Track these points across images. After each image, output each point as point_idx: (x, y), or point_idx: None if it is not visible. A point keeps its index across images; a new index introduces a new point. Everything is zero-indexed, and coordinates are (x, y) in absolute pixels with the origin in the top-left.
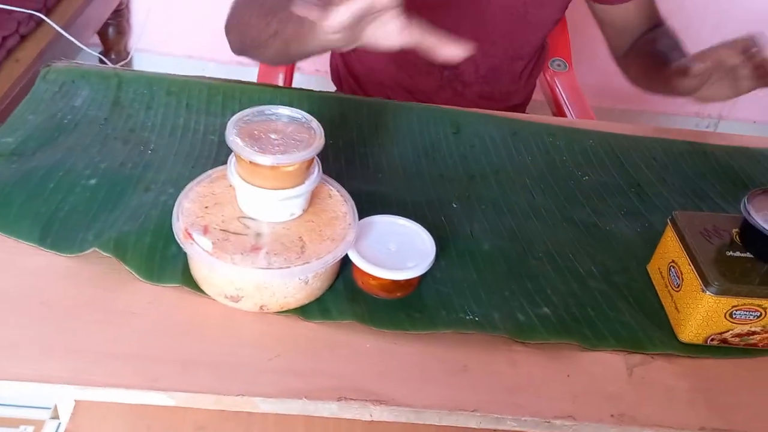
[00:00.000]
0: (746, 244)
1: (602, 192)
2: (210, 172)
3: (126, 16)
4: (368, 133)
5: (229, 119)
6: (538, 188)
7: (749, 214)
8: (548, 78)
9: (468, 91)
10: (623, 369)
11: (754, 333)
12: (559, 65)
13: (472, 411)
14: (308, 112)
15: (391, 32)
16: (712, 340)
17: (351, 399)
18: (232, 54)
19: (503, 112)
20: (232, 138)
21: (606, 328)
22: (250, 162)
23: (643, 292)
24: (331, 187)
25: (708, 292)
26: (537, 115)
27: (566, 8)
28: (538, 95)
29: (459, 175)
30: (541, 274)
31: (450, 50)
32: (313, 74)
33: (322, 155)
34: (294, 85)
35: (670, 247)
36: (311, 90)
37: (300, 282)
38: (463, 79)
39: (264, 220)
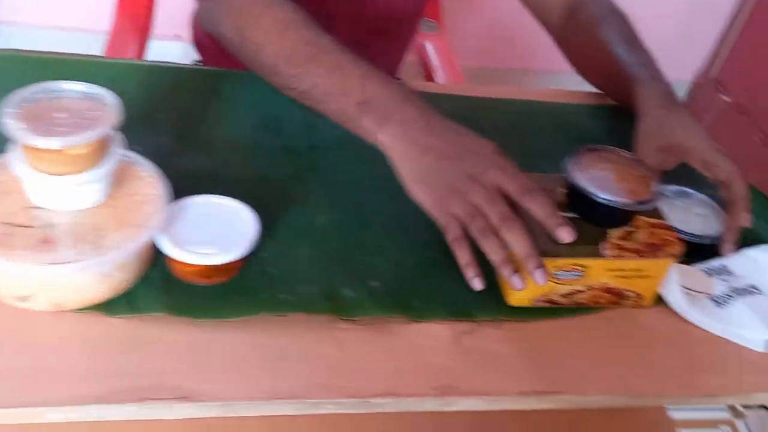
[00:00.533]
0: (570, 205)
1: None
2: None
3: None
4: (204, 105)
5: None
6: (382, 158)
7: (571, 173)
8: (419, 40)
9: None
10: (450, 339)
11: (578, 292)
12: (429, 26)
13: (289, 399)
14: (136, 85)
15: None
16: (538, 301)
17: (154, 399)
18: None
19: None
20: (6, 120)
21: (436, 298)
22: (30, 146)
23: (481, 258)
24: (142, 168)
25: None
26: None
27: None
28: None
29: (301, 146)
30: (376, 247)
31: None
32: (172, 40)
33: (146, 130)
34: (152, 51)
35: None
36: (141, 63)
37: (100, 275)
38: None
39: (56, 209)
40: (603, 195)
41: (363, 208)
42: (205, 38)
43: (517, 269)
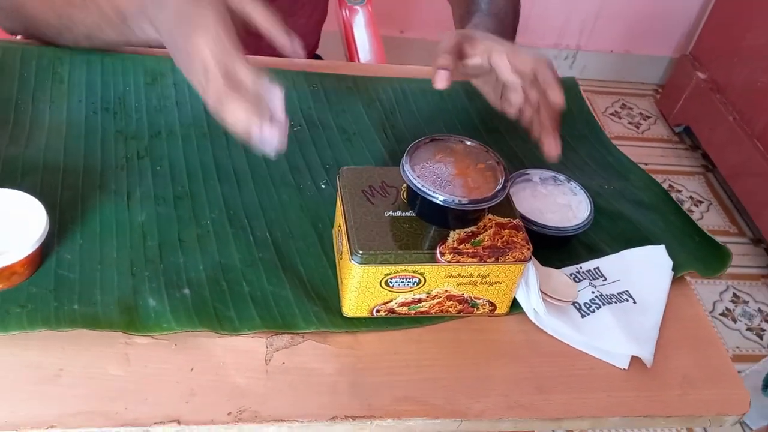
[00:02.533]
0: (410, 203)
1: (312, 144)
2: None
3: None
4: (36, 86)
5: None
6: (234, 144)
7: (406, 169)
8: (344, 14)
9: None
10: (261, 355)
11: (421, 300)
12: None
13: (48, 428)
14: None
15: None
16: (378, 311)
17: None
18: None
19: None
20: None
21: (255, 307)
22: None
23: (319, 260)
24: None
25: (353, 261)
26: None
27: None
28: (334, 26)
29: (141, 132)
30: (199, 245)
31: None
32: None
33: None
34: None
35: (338, 209)
36: None
37: None
38: None
39: None
40: (437, 194)
41: (195, 201)
42: None
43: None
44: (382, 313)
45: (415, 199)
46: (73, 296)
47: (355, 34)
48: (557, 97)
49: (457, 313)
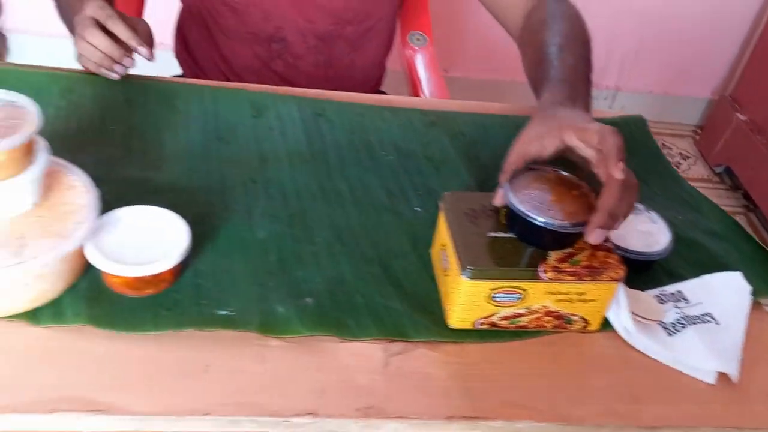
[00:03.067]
0: (509, 225)
1: (402, 172)
2: None
3: None
4: (157, 117)
5: None
6: (334, 170)
7: (508, 194)
8: (407, 53)
9: (301, 63)
10: (381, 359)
11: (520, 315)
12: (418, 39)
13: (204, 415)
14: (91, 96)
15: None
16: (481, 324)
17: (65, 410)
18: None
19: (311, 90)
20: None
21: (370, 317)
22: None
23: (421, 276)
24: (74, 178)
25: (463, 276)
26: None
27: None
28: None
29: (251, 158)
30: (314, 261)
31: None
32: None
33: (96, 141)
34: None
35: (441, 230)
36: (97, 75)
37: (18, 284)
38: (293, 51)
39: None
40: (539, 218)
41: (306, 220)
42: (184, 52)
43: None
44: (485, 326)
45: (516, 221)
46: (212, 302)
47: (419, 73)
48: (615, 170)
49: (553, 328)
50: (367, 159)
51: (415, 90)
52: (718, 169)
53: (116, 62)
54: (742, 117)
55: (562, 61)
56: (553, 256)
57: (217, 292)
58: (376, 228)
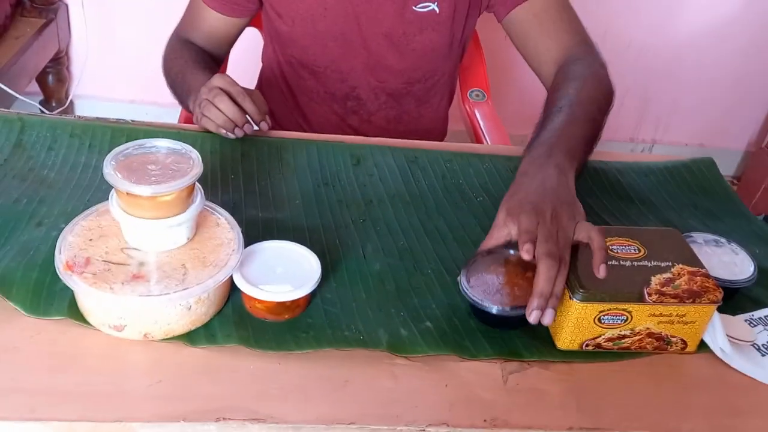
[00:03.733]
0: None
1: (495, 212)
2: (98, 206)
3: (65, 64)
4: (270, 167)
5: None
6: (432, 210)
7: (463, 281)
8: (467, 108)
9: (374, 118)
10: (499, 376)
11: (624, 336)
12: (477, 95)
13: (350, 424)
14: (210, 150)
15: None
16: (587, 345)
17: (230, 419)
18: (171, 97)
19: (402, 140)
20: (108, 171)
21: (485, 339)
22: (128, 193)
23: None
24: (219, 216)
25: (574, 299)
26: (443, 142)
27: (456, 35)
28: (459, 125)
29: (357, 201)
30: (427, 289)
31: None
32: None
33: (221, 187)
34: None
35: None
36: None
37: (182, 308)
38: (367, 107)
39: (147, 249)
40: (483, 302)
41: (414, 254)
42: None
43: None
44: (590, 348)
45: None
46: (341, 325)
47: (481, 125)
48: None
49: (653, 349)
50: (461, 201)
51: (479, 142)
52: (759, 218)
53: (236, 126)
54: None
55: (552, 122)
56: (655, 280)
57: (344, 317)
58: None
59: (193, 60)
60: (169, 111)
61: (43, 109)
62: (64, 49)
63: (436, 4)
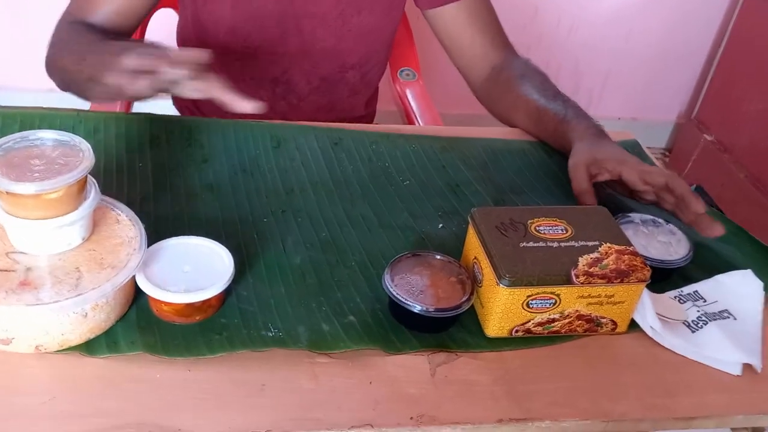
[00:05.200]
0: (391, 311)
1: (422, 195)
2: None
3: None
4: (181, 153)
5: None
6: (357, 197)
7: (386, 281)
8: (398, 88)
9: (303, 104)
10: (426, 370)
11: (554, 320)
12: (408, 75)
13: None
14: (116, 135)
15: (188, 91)
16: (516, 331)
17: None
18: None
19: (326, 123)
20: None
21: (410, 331)
22: (7, 192)
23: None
24: (120, 212)
25: (501, 285)
26: (370, 124)
27: (394, 19)
28: (389, 105)
29: (277, 189)
30: (351, 282)
31: (242, 105)
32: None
33: (127, 177)
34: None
35: (472, 244)
36: (120, 113)
37: (77, 316)
38: (297, 92)
39: (36, 253)
40: (407, 302)
41: (337, 246)
42: (181, 99)
43: None
44: (520, 334)
45: (392, 305)
46: (258, 324)
47: (412, 105)
48: (698, 206)
49: (584, 332)
50: (387, 185)
51: (410, 122)
52: (691, 188)
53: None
54: (708, 138)
55: (565, 104)
56: (583, 261)
57: (261, 315)
58: (404, 248)
59: (93, 34)
60: (48, 96)
61: None
62: None
63: None
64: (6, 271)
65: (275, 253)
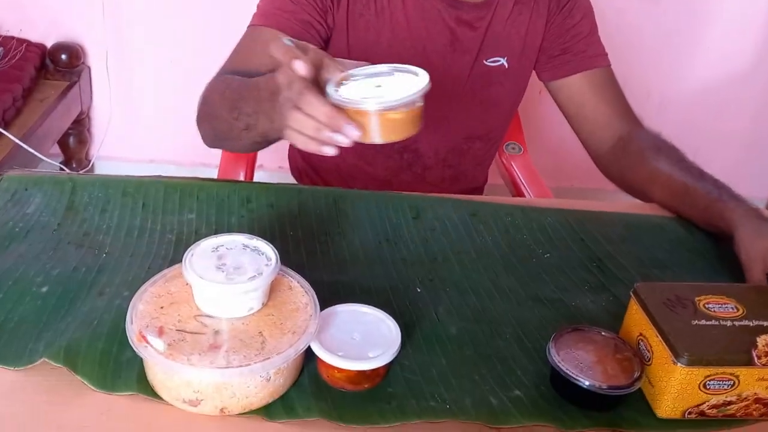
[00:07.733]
0: (554, 384)
1: (564, 268)
2: (165, 271)
3: (87, 125)
4: (328, 222)
5: (186, 216)
6: (500, 267)
7: (552, 353)
8: (504, 161)
9: (428, 174)
10: None
11: (730, 403)
12: (513, 148)
13: None
14: (266, 205)
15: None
16: (689, 413)
17: None
18: (193, 156)
19: (460, 195)
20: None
21: (579, 409)
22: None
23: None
24: (292, 279)
25: (679, 364)
26: (494, 196)
27: (520, 91)
28: (495, 179)
29: (421, 258)
30: (510, 355)
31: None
32: (276, 171)
33: (283, 247)
34: (256, 180)
35: (636, 320)
36: (269, 183)
37: (261, 379)
38: (424, 162)
39: (222, 316)
40: (578, 377)
41: (489, 316)
42: (305, 166)
43: None
44: (693, 416)
45: (561, 381)
46: (425, 394)
47: (520, 177)
48: None
49: (760, 416)
50: (529, 257)
51: (519, 195)
52: None
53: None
54: None
55: (715, 182)
56: (761, 342)
57: (427, 385)
58: (557, 322)
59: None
60: (190, 170)
61: (65, 168)
62: (86, 111)
63: (505, 59)
64: (196, 333)
65: (430, 322)
